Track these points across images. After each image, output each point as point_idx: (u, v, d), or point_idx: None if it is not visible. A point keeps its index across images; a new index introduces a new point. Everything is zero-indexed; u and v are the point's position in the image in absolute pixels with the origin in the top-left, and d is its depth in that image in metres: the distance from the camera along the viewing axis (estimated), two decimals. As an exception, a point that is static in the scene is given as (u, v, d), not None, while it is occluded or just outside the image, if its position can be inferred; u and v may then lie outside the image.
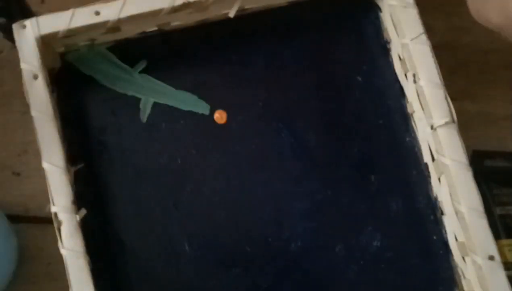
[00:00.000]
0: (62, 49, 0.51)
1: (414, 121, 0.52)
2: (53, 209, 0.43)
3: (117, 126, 0.51)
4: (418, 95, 0.49)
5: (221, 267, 0.49)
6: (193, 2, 0.47)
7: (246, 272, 0.49)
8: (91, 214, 0.46)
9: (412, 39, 0.48)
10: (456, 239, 0.48)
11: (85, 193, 0.47)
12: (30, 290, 0.50)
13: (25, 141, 0.52)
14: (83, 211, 0.45)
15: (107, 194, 0.49)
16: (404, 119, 0.53)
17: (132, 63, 0.52)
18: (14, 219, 0.50)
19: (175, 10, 0.48)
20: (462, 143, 0.46)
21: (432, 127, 0.47)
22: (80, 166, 0.48)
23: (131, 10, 0.47)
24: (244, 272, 0.49)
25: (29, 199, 0.51)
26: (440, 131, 0.47)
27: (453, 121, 0.47)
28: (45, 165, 0.44)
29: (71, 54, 0.51)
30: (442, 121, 0.46)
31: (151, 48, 0.53)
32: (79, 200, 0.45)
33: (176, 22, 0.51)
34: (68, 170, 0.45)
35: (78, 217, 0.44)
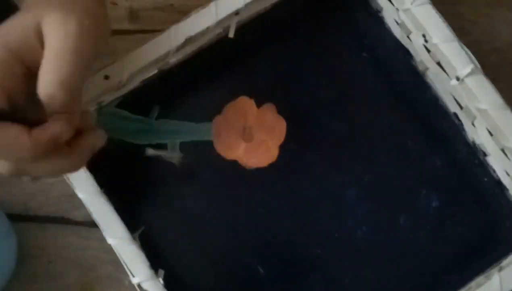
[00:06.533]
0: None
1: (430, 78, 0.53)
2: (135, 281, 0.43)
3: (156, 177, 0.51)
4: (428, 52, 0.50)
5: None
6: (195, 35, 0.47)
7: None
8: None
9: (412, 3, 0.48)
10: (508, 174, 0.50)
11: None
12: (30, 289, 0.49)
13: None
14: (162, 272, 0.44)
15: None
16: (417, 78, 0.54)
17: (144, 112, 0.51)
18: (14, 218, 0.50)
19: (177, 49, 0.47)
20: (492, 86, 0.47)
21: (458, 78, 0.48)
22: (141, 229, 0.47)
23: (138, 63, 0.46)
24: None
25: (29, 198, 0.50)
26: (467, 80, 0.47)
27: (477, 67, 0.47)
28: (110, 240, 0.43)
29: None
30: (468, 70, 0.47)
31: (158, 92, 0.52)
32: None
33: (174, 58, 0.51)
34: (134, 238, 0.44)
35: (161, 280, 0.43)
